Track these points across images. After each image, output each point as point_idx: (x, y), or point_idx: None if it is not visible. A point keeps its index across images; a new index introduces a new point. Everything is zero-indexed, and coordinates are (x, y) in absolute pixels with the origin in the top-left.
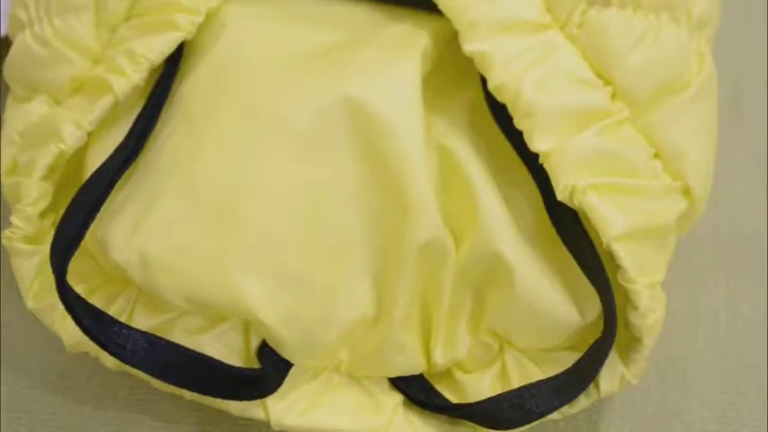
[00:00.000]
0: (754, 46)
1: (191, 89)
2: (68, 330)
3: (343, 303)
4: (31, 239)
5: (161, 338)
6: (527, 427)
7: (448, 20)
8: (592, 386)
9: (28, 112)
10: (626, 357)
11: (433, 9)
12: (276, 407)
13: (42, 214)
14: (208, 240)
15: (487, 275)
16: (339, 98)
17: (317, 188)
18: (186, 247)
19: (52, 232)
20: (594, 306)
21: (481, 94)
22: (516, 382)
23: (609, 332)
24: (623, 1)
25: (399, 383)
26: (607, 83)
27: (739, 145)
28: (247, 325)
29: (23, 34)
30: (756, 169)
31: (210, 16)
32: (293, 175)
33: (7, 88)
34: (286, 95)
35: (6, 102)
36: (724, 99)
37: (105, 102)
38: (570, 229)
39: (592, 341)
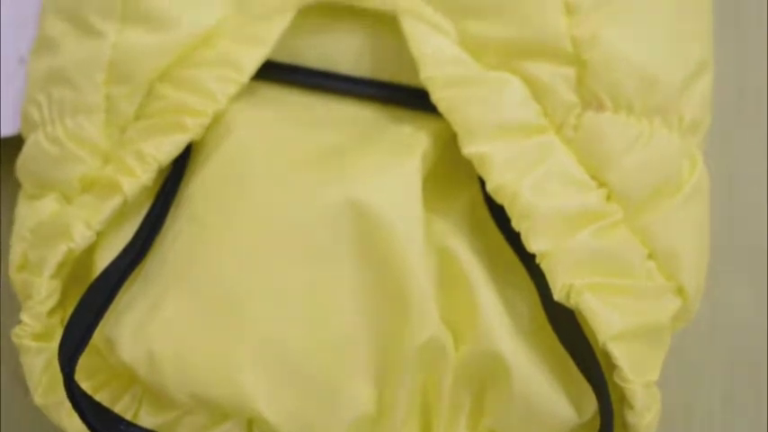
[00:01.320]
0: (748, 144)
1: (198, 190)
2: (75, 427)
3: (346, 402)
4: (40, 337)
5: None
6: None
7: (447, 121)
8: None
9: (39, 210)
10: None
11: (433, 110)
12: None
13: (51, 311)
14: (213, 339)
15: (486, 374)
16: (341, 200)
17: (320, 288)
18: (192, 346)
19: (60, 329)
20: (591, 404)
21: (480, 194)
22: None
23: (605, 431)
24: (617, 105)
25: None
26: (602, 184)
27: (734, 245)
28: (251, 424)
29: (36, 134)
30: (755, 263)
31: (218, 118)
32: (297, 275)
33: (14, 186)
34: (290, 197)
35: (18, 198)
36: (719, 194)
37: (115, 202)
38: (567, 329)
39: None
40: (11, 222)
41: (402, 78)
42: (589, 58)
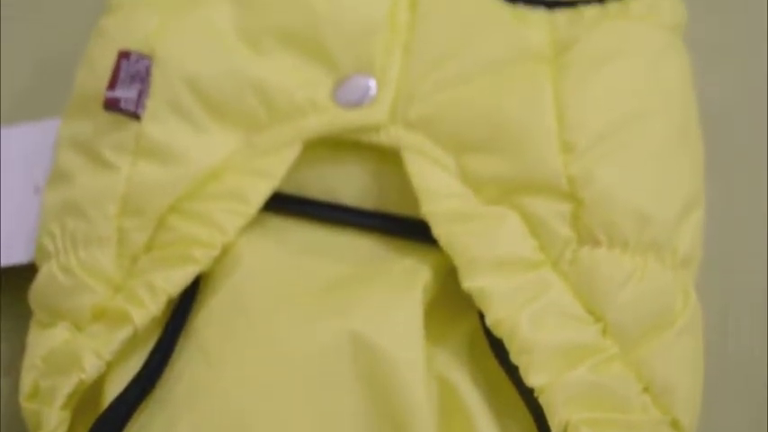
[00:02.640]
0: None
1: (205, 322)
2: None
3: None
4: None
5: None
6: None
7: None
8: None
9: (50, 338)
10: None
11: (435, 241)
12: None
13: None
14: None
15: None
16: (345, 333)
17: (324, 417)
18: None
19: None
20: None
21: (479, 326)
22: None
23: None
24: (612, 241)
25: None
26: (598, 319)
27: (728, 369)
28: None
29: (49, 264)
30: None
31: (226, 249)
32: (301, 405)
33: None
34: (294, 329)
35: (29, 327)
36: (712, 324)
37: (125, 332)
38: None
39: None
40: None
41: (404, 210)
42: (584, 195)
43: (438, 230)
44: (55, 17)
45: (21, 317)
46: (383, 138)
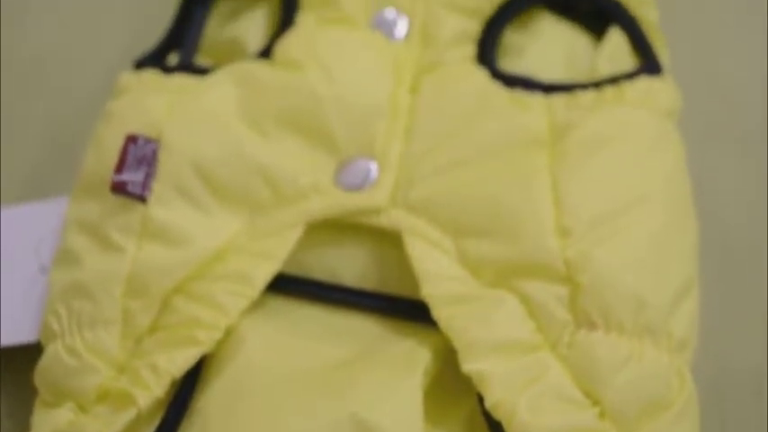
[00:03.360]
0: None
1: (208, 403)
2: None
3: None
4: None
5: None
6: None
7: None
8: None
9: (55, 419)
10: None
11: (435, 323)
12: None
13: None
14: None
15: None
16: (345, 415)
17: None
18: None
19: None
20: None
21: (478, 408)
22: None
23: None
24: (608, 325)
25: None
26: (595, 402)
27: None
28: None
29: (55, 344)
30: None
31: (229, 331)
32: None
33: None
34: (297, 412)
35: (34, 406)
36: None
37: (129, 414)
38: None
39: None
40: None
41: (405, 290)
42: (581, 279)
43: (437, 313)
44: (62, 95)
45: (25, 396)
46: (384, 220)
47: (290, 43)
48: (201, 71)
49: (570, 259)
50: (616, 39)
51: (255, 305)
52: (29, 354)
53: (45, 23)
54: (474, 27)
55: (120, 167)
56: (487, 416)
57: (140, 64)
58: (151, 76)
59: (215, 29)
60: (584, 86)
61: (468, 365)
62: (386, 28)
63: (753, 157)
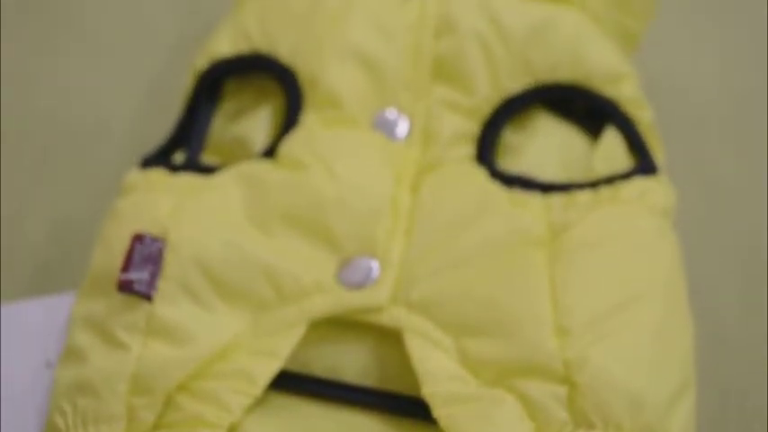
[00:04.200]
0: None
1: None
2: None
3: None
4: None
5: None
6: None
7: None
8: None
9: None
10: None
11: (435, 421)
12: None
13: None
14: None
15: None
16: None
17: None
18: None
19: None
20: None
21: None
22: None
23: None
24: (606, 425)
25: None
26: None
27: None
28: None
29: None
30: None
31: (232, 429)
32: None
33: None
34: None
35: None
36: None
37: None
38: None
39: None
40: None
41: (405, 387)
42: (579, 379)
43: (438, 412)
44: (69, 188)
45: None
46: (385, 319)
47: (294, 143)
48: (207, 170)
49: (568, 359)
50: (611, 138)
51: (258, 402)
52: None
53: (53, 114)
54: (473, 127)
55: (126, 266)
56: None
57: (147, 162)
58: (157, 174)
59: (221, 127)
60: (580, 186)
61: None
62: (387, 128)
63: (748, 253)
